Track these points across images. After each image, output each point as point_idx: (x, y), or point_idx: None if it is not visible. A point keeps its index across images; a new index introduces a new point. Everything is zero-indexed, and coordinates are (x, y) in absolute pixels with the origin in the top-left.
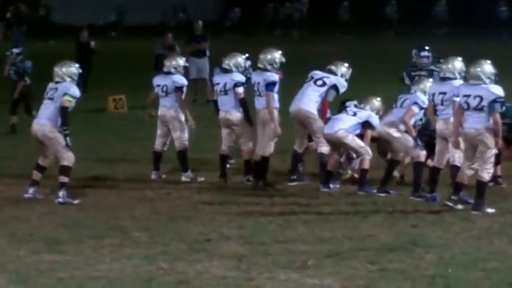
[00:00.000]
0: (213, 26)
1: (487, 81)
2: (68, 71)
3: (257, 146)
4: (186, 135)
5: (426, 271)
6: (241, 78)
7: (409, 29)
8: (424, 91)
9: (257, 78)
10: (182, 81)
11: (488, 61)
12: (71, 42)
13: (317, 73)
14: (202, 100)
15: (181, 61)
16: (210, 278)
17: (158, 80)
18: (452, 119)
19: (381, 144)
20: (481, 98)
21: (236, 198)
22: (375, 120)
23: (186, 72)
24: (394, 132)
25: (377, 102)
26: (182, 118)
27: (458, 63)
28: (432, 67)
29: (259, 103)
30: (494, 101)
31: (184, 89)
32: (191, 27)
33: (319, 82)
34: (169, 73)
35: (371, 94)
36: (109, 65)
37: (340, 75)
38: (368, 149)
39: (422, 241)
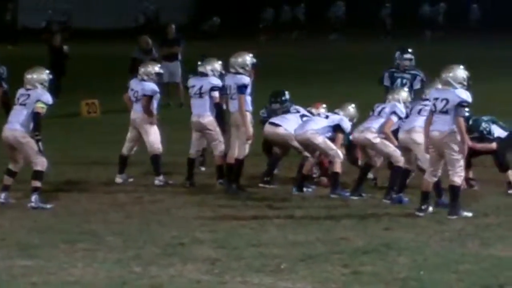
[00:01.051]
0: (186, 31)
1: (457, 86)
2: (39, 78)
3: (231, 149)
4: (158, 139)
5: (399, 274)
6: (218, 82)
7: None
8: (399, 100)
9: (229, 81)
10: (151, 88)
11: (461, 66)
12: (42, 46)
13: (302, 110)
14: (174, 104)
15: (153, 68)
16: (183, 282)
17: (132, 84)
18: (415, 129)
19: (352, 151)
20: (447, 101)
21: (209, 201)
22: (346, 124)
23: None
24: (372, 138)
25: (352, 109)
26: (145, 120)
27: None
28: (416, 72)
29: (232, 106)
30: (459, 104)
31: (156, 96)
32: (164, 31)
33: (305, 119)
34: (142, 79)
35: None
36: (82, 70)
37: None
38: (339, 152)
39: (395, 244)
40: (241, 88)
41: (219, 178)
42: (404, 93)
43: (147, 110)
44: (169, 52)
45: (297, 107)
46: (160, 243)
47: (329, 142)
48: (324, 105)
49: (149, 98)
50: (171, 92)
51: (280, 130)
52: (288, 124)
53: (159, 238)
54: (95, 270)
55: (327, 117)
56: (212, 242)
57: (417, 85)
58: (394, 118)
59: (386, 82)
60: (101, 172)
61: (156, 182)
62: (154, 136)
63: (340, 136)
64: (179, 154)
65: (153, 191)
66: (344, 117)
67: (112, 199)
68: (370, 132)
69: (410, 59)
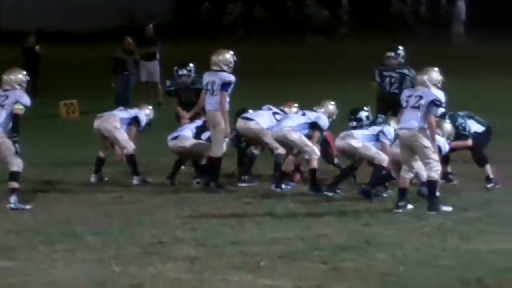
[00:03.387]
0: (165, 30)
1: (432, 87)
2: (17, 79)
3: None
4: (127, 138)
5: (379, 270)
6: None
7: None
8: (392, 127)
9: (212, 78)
10: (145, 121)
11: (436, 69)
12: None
13: (275, 109)
14: (153, 104)
15: (148, 110)
16: (163, 281)
17: (118, 109)
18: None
19: (327, 150)
20: (421, 97)
21: (189, 200)
22: (323, 122)
23: (137, 75)
24: (355, 143)
25: (331, 106)
26: (118, 125)
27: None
28: (406, 71)
29: (209, 103)
30: (432, 102)
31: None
32: (142, 31)
33: (278, 117)
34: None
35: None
36: (61, 71)
37: None
38: (315, 148)
39: (375, 240)
40: (226, 86)
41: (196, 177)
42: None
43: (131, 137)
44: (147, 52)
45: (269, 105)
46: (140, 242)
47: (305, 139)
48: (296, 104)
49: (136, 127)
50: (150, 91)
51: (252, 125)
52: (261, 119)
53: (139, 238)
54: (75, 271)
55: (304, 114)
56: (191, 240)
57: (407, 85)
58: (386, 141)
59: (377, 78)
60: (80, 173)
61: (134, 181)
62: (122, 137)
63: (317, 134)
64: (160, 154)
65: (132, 191)
66: (321, 115)
67: (91, 199)
68: (352, 137)
69: (395, 58)
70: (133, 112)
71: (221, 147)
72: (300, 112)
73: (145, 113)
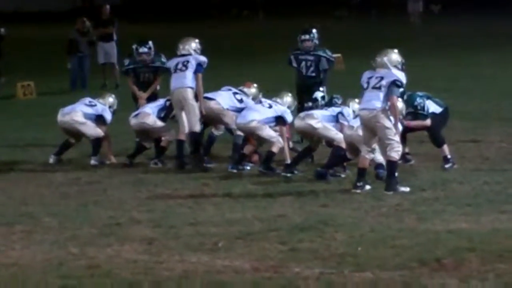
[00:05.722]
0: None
1: (393, 68)
2: None
3: (181, 126)
4: (96, 127)
5: (337, 250)
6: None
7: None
8: (351, 109)
9: (183, 58)
10: (109, 117)
11: (395, 50)
12: None
13: (234, 89)
14: (111, 85)
15: (111, 99)
16: (120, 262)
17: (82, 102)
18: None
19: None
20: (382, 78)
21: (146, 181)
22: (289, 117)
23: (94, 56)
24: (315, 124)
25: (289, 98)
26: (82, 119)
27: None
28: (320, 53)
29: (180, 82)
30: (393, 83)
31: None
32: (99, 12)
33: (238, 97)
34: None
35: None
36: (17, 52)
37: (251, 98)
38: (280, 138)
39: (332, 221)
40: (199, 67)
41: (154, 158)
42: (356, 105)
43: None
44: (104, 33)
45: (229, 86)
46: (97, 223)
47: (270, 131)
48: (255, 85)
49: (102, 121)
50: (107, 72)
51: (213, 104)
52: (221, 99)
53: (96, 219)
54: (33, 252)
55: (270, 106)
56: (149, 221)
57: (324, 66)
58: (344, 122)
59: (294, 64)
60: (37, 154)
61: (92, 162)
62: (90, 130)
63: (284, 129)
64: (117, 134)
65: (90, 172)
66: (287, 109)
67: (49, 180)
68: (312, 118)
69: (309, 40)
70: (99, 109)
71: (197, 121)
72: (266, 104)
73: (109, 105)
